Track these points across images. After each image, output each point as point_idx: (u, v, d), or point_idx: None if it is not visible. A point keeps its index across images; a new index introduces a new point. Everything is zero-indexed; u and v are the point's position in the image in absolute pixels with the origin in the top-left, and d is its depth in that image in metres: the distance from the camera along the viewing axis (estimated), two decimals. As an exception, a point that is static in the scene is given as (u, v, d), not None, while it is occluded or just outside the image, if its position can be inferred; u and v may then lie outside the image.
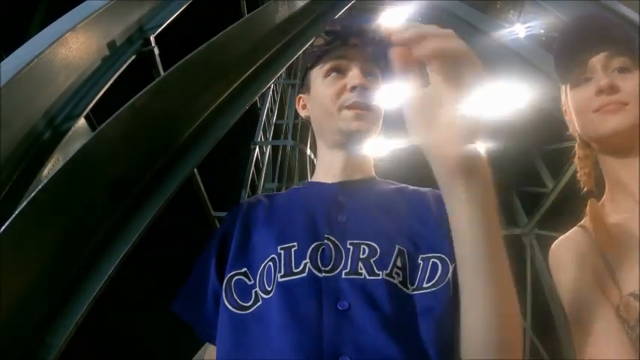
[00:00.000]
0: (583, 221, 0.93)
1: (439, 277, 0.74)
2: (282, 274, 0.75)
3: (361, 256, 0.76)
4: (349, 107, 0.91)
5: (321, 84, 0.95)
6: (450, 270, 0.75)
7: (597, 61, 0.90)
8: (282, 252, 0.78)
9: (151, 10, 1.68)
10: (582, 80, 0.91)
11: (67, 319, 1.03)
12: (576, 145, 0.98)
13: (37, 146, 1.16)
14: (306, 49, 1.84)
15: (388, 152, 6.25)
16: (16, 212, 0.92)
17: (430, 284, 0.74)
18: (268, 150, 4.84)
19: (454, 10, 2.22)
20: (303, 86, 1.03)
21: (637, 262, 0.80)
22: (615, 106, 0.85)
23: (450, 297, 0.73)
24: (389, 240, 0.78)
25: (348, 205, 0.86)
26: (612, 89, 0.86)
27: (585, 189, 0.94)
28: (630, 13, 1.63)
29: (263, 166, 4.52)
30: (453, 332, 0.71)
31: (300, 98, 1.04)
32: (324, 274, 0.74)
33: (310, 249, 0.77)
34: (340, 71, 0.94)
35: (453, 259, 0.76)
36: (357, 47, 0.96)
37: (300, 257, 0.76)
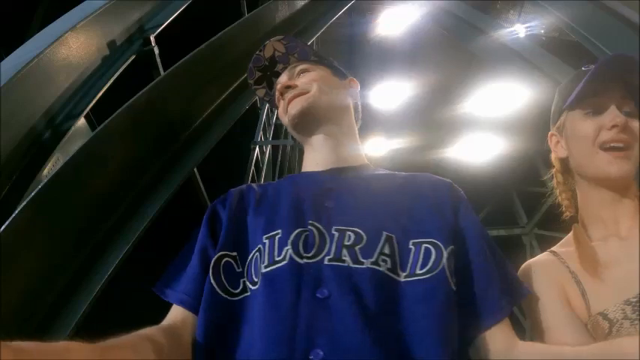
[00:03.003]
0: (554, 247, 0.96)
1: (433, 263, 0.73)
2: (265, 264, 0.74)
3: (346, 243, 0.73)
4: (286, 101, 0.96)
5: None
6: (445, 256, 0.73)
7: (614, 99, 0.92)
8: (266, 241, 0.76)
9: (151, 10, 1.68)
10: (591, 112, 0.93)
11: (66, 319, 1.03)
12: (554, 171, 1.01)
13: (37, 146, 1.16)
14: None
15: (388, 152, 6.26)
16: (16, 211, 0.92)
17: (424, 270, 0.72)
18: (268, 150, 4.84)
19: (454, 10, 2.22)
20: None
21: (606, 284, 0.82)
22: (624, 153, 0.88)
23: (445, 283, 0.72)
24: (376, 227, 0.76)
25: (336, 192, 0.84)
26: (625, 128, 0.88)
27: (568, 215, 0.97)
28: (630, 13, 1.63)
29: (263, 165, 4.51)
30: (452, 321, 0.70)
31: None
32: (305, 260, 0.72)
33: (293, 235, 0.75)
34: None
35: (446, 244, 0.76)
36: (283, 67, 1.02)
37: (282, 244, 0.74)
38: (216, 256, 0.77)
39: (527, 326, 0.90)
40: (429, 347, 0.65)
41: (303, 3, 1.96)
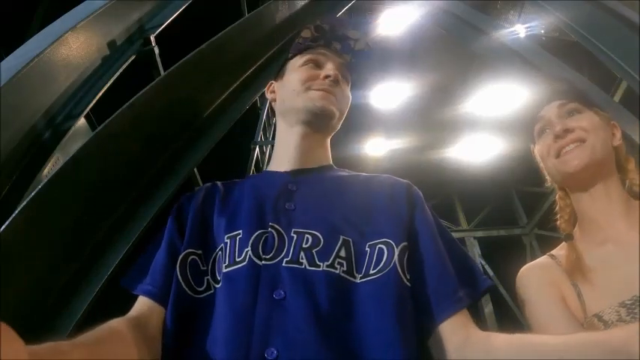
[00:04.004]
0: (553, 251, 0.97)
1: (384, 262, 0.74)
2: (226, 264, 0.75)
3: (304, 246, 0.75)
4: (317, 89, 0.94)
5: (295, 70, 1.00)
6: (396, 252, 0.74)
7: (551, 112, 0.96)
8: (228, 241, 0.78)
9: (151, 10, 1.68)
10: (542, 133, 0.98)
11: (66, 319, 1.03)
12: (557, 197, 1.03)
13: (37, 146, 1.16)
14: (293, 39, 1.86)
15: (387, 152, 6.26)
16: (16, 212, 0.92)
17: (376, 270, 0.73)
18: (268, 150, 4.84)
19: (454, 10, 2.22)
20: (279, 73, 1.08)
21: (601, 287, 0.83)
22: (573, 144, 0.91)
23: (397, 279, 0.72)
24: (334, 230, 0.77)
25: (297, 193, 0.86)
26: (566, 131, 0.92)
27: (564, 233, 0.99)
28: (630, 13, 1.63)
29: (263, 165, 4.51)
30: (407, 317, 0.70)
31: (271, 84, 1.09)
32: (264, 261, 0.73)
33: (253, 237, 0.76)
34: (317, 64, 0.99)
35: (398, 241, 0.76)
36: (337, 51, 1.01)
37: (243, 246, 0.76)
38: (182, 254, 0.78)
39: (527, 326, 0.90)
40: (383, 345, 0.67)
41: (303, 3, 1.96)
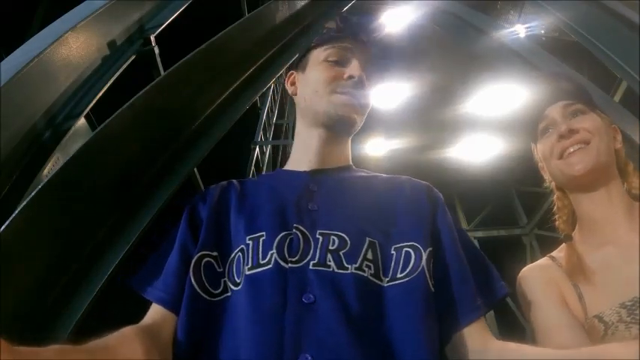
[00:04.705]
0: (553, 252, 0.97)
1: (412, 266, 0.73)
2: (249, 266, 0.73)
3: (330, 248, 0.73)
4: (341, 93, 0.91)
5: (318, 65, 0.96)
6: (424, 257, 0.74)
7: (555, 111, 0.95)
8: (250, 242, 0.76)
9: (151, 10, 1.68)
10: (545, 132, 0.97)
11: (66, 319, 1.03)
12: (555, 197, 1.03)
13: (37, 146, 1.16)
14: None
15: (387, 152, 6.26)
16: (16, 212, 0.92)
17: (404, 274, 0.73)
18: (268, 150, 4.84)
19: (454, 10, 2.22)
20: (300, 63, 1.03)
21: (602, 288, 0.83)
22: (577, 146, 0.90)
23: (425, 285, 0.72)
24: (360, 231, 0.76)
25: (318, 194, 0.84)
26: (571, 132, 0.91)
27: (563, 234, 0.99)
28: (630, 13, 1.63)
29: (263, 165, 4.52)
30: (433, 321, 0.70)
31: (292, 74, 1.05)
32: (290, 264, 0.72)
33: (278, 239, 0.75)
34: (340, 60, 0.95)
35: (425, 246, 0.76)
36: (363, 44, 0.97)
37: (267, 248, 0.74)
38: (196, 256, 0.77)
39: (528, 327, 0.90)
40: (413, 348, 0.67)
41: (303, 3, 1.96)
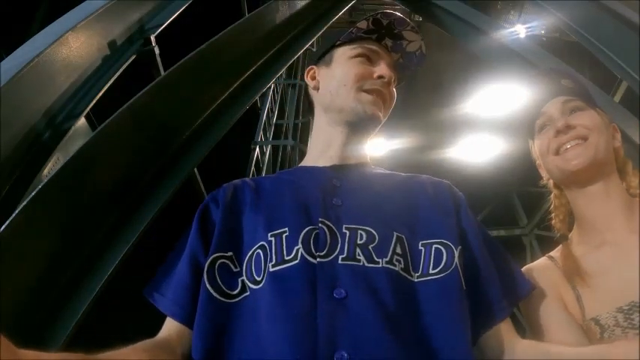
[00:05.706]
0: (552, 252, 0.97)
1: (445, 263, 0.72)
2: (273, 262, 0.71)
3: (358, 242, 0.72)
4: (370, 92, 0.90)
5: (347, 61, 0.94)
6: (456, 255, 0.73)
7: (553, 107, 0.95)
8: (272, 239, 0.74)
9: (151, 10, 1.68)
10: (542, 128, 0.97)
11: (66, 319, 1.03)
12: (552, 196, 1.03)
13: (37, 146, 1.16)
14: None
15: (388, 152, 6.25)
16: (16, 212, 0.92)
17: (437, 270, 0.72)
18: (268, 150, 4.84)
19: (454, 10, 2.22)
20: (323, 59, 1.01)
21: (600, 291, 0.83)
22: (575, 141, 0.90)
23: (459, 282, 0.71)
24: (386, 226, 0.75)
25: (342, 189, 0.83)
26: (568, 127, 0.91)
27: (559, 233, 0.98)
28: (630, 13, 1.63)
29: (263, 165, 4.52)
30: (467, 319, 0.70)
31: (312, 69, 1.02)
32: (318, 259, 0.69)
33: (303, 234, 0.72)
34: (369, 60, 0.95)
35: (456, 244, 0.75)
36: (388, 49, 0.98)
37: (292, 243, 0.72)
38: (210, 259, 0.74)
39: (527, 327, 0.90)
40: (454, 345, 0.65)
41: (303, 3, 1.96)
